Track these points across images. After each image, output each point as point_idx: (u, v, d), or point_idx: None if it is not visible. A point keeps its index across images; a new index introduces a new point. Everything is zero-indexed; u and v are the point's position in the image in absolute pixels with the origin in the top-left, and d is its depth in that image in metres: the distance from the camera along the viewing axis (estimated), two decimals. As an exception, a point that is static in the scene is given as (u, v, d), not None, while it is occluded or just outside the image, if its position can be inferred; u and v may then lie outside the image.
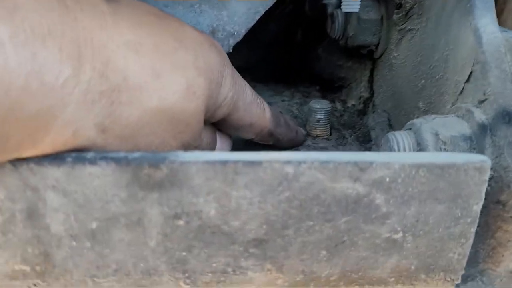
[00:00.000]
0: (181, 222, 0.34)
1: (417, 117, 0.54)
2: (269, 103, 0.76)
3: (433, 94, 0.52)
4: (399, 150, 0.43)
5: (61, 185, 0.32)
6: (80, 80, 0.31)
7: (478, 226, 0.42)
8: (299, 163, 0.33)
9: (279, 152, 0.33)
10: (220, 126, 0.49)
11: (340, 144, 0.63)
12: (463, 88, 0.46)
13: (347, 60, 0.74)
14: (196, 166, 0.32)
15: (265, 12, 0.97)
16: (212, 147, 0.49)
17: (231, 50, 0.56)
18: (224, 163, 0.32)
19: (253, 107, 0.49)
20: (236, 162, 0.32)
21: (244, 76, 0.90)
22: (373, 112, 0.68)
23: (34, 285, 0.35)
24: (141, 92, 0.34)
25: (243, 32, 0.55)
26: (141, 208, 0.33)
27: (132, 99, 0.34)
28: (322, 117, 0.63)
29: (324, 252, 0.36)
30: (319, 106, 0.63)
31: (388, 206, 0.35)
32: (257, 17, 0.55)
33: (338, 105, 0.76)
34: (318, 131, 0.63)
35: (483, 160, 0.34)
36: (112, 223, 0.33)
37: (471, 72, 0.45)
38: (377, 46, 0.65)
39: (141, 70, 0.34)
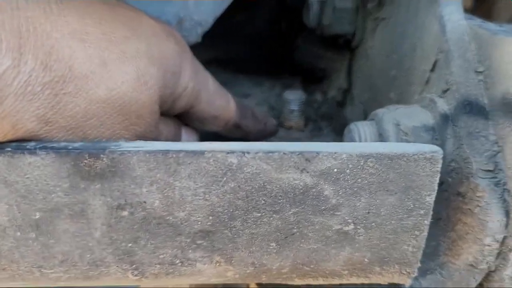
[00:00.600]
0: (125, 213, 0.33)
1: (388, 108, 0.54)
2: (248, 94, 0.76)
3: (403, 84, 0.51)
4: (360, 141, 0.43)
5: (2, 175, 0.31)
6: (21, 71, 0.30)
7: (439, 219, 0.41)
8: (243, 153, 0.32)
9: (223, 142, 0.33)
10: (184, 120, 0.49)
11: (315, 136, 0.63)
12: (428, 77, 0.45)
13: (326, 50, 0.73)
14: (137, 156, 0.32)
15: (250, 5, 0.96)
16: (176, 141, 0.48)
17: (200, 40, 0.55)
18: (165, 153, 0.32)
19: (217, 99, 0.48)
20: (178, 152, 0.32)
21: (226, 68, 0.89)
22: (351, 103, 0.67)
23: (-19, 276, 0.35)
24: (88, 82, 0.34)
25: (210, 21, 0.54)
26: (84, 199, 0.32)
27: (78, 90, 0.33)
28: (296, 108, 0.62)
29: (273, 244, 0.35)
30: (293, 97, 0.62)
31: (337, 198, 0.34)
32: (226, 5, 0.54)
33: (318, 96, 0.75)
34: (292, 122, 0.63)
35: (434, 150, 0.33)
36: (55, 214, 0.33)
37: (435, 61, 0.44)
38: (353, 35, 0.64)
39: (87, 60, 0.34)
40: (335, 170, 0.33)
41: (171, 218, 0.33)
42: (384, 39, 0.57)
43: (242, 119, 0.51)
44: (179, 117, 0.48)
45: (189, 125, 0.50)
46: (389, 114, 0.43)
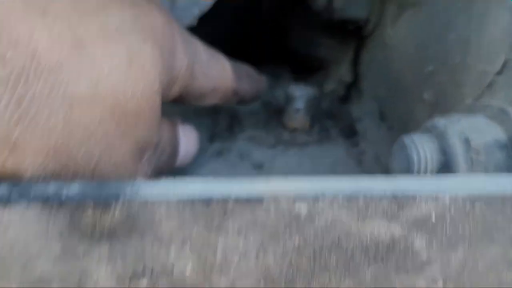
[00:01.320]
0: (143, 282, 0.23)
1: (422, 111, 0.46)
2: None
3: (446, 84, 0.43)
4: (419, 161, 0.34)
5: (-45, 237, 0.21)
6: None
7: None
8: (317, 198, 0.23)
9: (287, 179, 0.23)
10: (177, 102, 0.39)
11: (324, 138, 0.54)
12: (492, 80, 0.37)
13: (327, 37, 0.64)
14: (166, 206, 0.22)
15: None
16: (173, 145, 0.38)
17: (195, 23, 0.45)
18: (207, 201, 0.22)
19: (212, 69, 0.39)
20: (225, 200, 0.22)
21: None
22: (359, 100, 0.59)
23: None
24: (62, 75, 0.23)
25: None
26: (83, 267, 0.22)
27: (51, 87, 0.23)
28: (303, 106, 0.53)
29: (339, 312, 0.26)
30: (300, 93, 0.53)
31: (429, 251, 0.25)
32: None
33: (315, 90, 0.66)
34: (297, 123, 0.54)
35: (554, 188, 0.26)
36: (38, 288, 0.22)
37: (505, 61, 0.36)
38: (366, 21, 0.55)
39: (55, 42, 0.23)
40: (434, 217, 0.24)
41: (207, 285, 0.24)
42: (414, 27, 0.48)
43: (239, 82, 0.43)
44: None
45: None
46: (453, 127, 0.34)
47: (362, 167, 0.51)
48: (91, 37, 0.25)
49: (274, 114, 0.58)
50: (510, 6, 0.36)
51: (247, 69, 0.47)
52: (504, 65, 0.36)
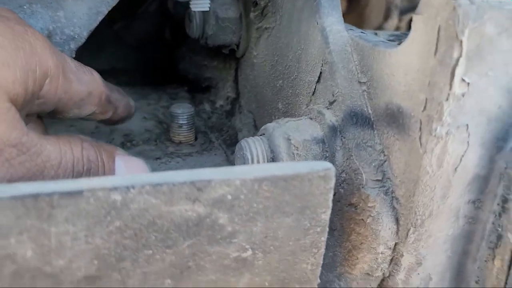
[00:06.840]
0: (-10, 269, 0.28)
1: (276, 119, 0.53)
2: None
3: (290, 95, 0.50)
4: (252, 158, 0.42)
5: None
6: None
7: (334, 230, 0.41)
8: (127, 188, 0.29)
9: (104, 177, 0.30)
10: (62, 111, 0.45)
11: (205, 149, 0.61)
12: (315, 89, 0.45)
13: (212, 59, 0.71)
14: (1, 203, 0.27)
15: (129, 11, 0.91)
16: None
17: (74, 55, 0.50)
18: (35, 197, 0.28)
19: (83, 74, 0.46)
20: (50, 194, 0.28)
21: (109, 80, 0.83)
22: (240, 113, 0.66)
23: None
24: None
25: (85, 35, 0.50)
26: None
27: None
28: (185, 122, 0.60)
29: (169, 281, 0.32)
30: (181, 111, 0.59)
31: (233, 225, 0.32)
32: (100, 18, 0.50)
33: (207, 106, 0.73)
34: (181, 137, 0.60)
35: (326, 167, 0.33)
36: None
37: (320, 73, 0.44)
38: (238, 45, 0.63)
39: None
40: (229, 197, 0.31)
41: (48, 268, 0.29)
42: (268, 49, 0.56)
43: (112, 91, 0.49)
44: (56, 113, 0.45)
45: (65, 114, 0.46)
46: (279, 129, 0.42)
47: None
48: None
49: (165, 130, 0.65)
50: (321, 27, 0.44)
51: (114, 85, 0.53)
52: (320, 76, 0.44)
